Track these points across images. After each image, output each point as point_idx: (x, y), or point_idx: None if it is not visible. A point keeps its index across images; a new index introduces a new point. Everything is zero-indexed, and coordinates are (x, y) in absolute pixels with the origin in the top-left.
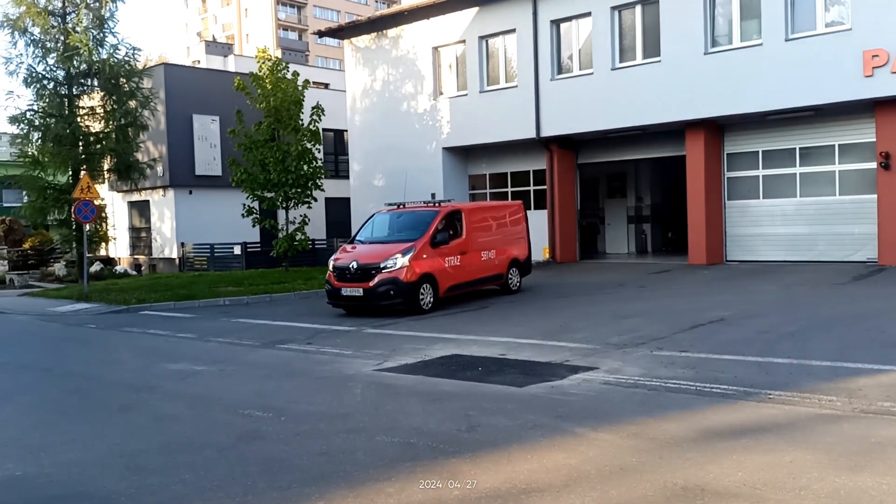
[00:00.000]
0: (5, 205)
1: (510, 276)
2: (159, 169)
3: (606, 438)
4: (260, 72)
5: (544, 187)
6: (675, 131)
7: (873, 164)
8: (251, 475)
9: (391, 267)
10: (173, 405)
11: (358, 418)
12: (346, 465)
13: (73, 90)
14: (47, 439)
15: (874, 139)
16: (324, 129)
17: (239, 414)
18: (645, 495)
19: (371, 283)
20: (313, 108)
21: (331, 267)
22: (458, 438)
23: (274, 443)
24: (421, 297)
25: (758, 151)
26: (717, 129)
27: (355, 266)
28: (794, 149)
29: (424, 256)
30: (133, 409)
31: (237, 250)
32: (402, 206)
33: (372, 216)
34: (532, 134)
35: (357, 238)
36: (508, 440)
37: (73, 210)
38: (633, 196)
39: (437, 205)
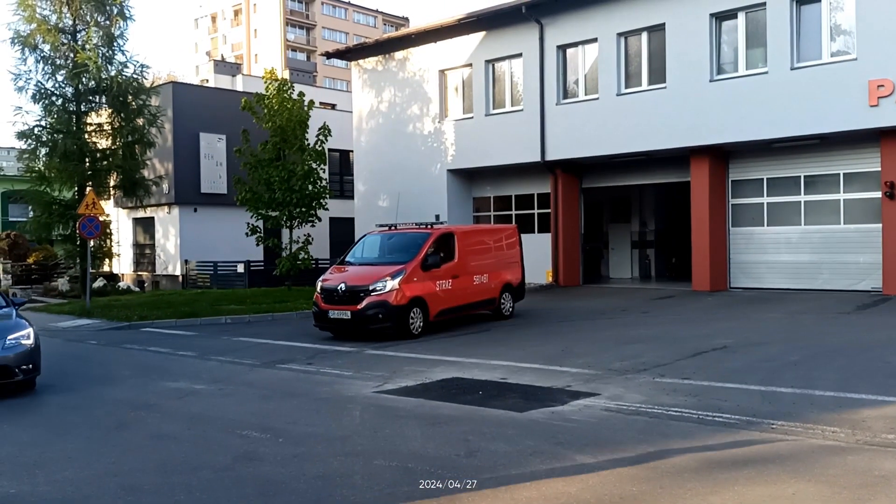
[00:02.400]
0: (10, 219)
1: (503, 300)
2: (165, 186)
3: (607, 467)
4: (266, 92)
5: (548, 211)
6: (679, 157)
7: (878, 194)
8: (247, 497)
9: (380, 290)
10: (171, 424)
11: (356, 441)
12: (343, 488)
13: (82, 107)
14: (43, 457)
15: (879, 168)
16: (330, 150)
17: (237, 434)
18: None
19: (359, 306)
20: (320, 128)
21: (318, 288)
22: (457, 464)
23: (271, 465)
24: (411, 321)
25: (763, 179)
26: (722, 155)
27: (343, 288)
28: (799, 177)
29: (415, 279)
30: (130, 427)
31: (240, 268)
32: (393, 228)
33: (363, 237)
34: (537, 157)
35: (347, 259)
36: (507, 467)
37: (77, 226)
38: (638, 221)
39: (429, 227)
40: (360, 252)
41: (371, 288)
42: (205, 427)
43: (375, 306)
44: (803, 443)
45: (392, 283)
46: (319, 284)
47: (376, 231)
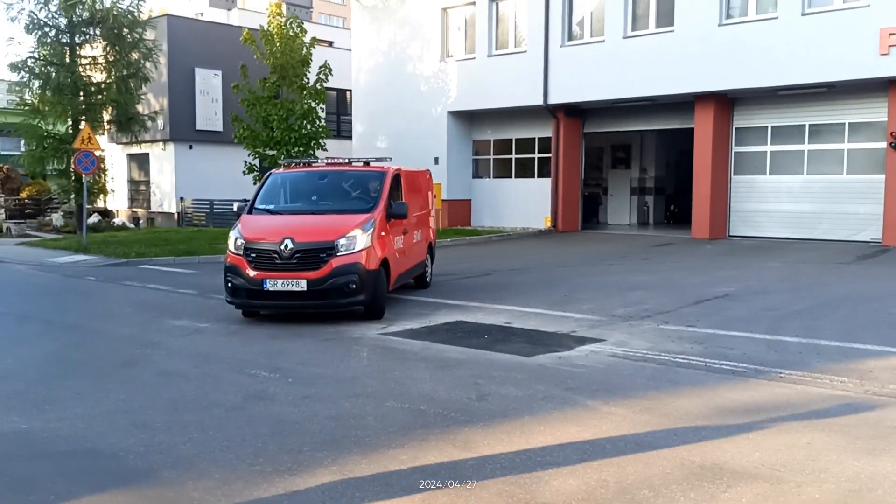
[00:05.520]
0: (3, 153)
1: (426, 264)
2: (160, 122)
3: (619, 413)
4: (269, 26)
5: (548, 155)
6: (684, 103)
7: (883, 144)
8: (261, 437)
9: (348, 248)
10: (178, 362)
11: (366, 383)
12: (357, 430)
13: (75, 39)
14: (52, 393)
15: (885, 119)
16: (327, 88)
17: (245, 374)
18: (663, 472)
19: (321, 273)
20: (321, 66)
21: (239, 248)
22: (469, 407)
23: (282, 405)
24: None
25: (767, 127)
26: (727, 102)
27: (290, 246)
28: (804, 125)
29: (382, 234)
30: (137, 364)
31: (237, 207)
32: (306, 165)
33: (267, 176)
34: (539, 101)
35: (259, 206)
36: (520, 411)
37: (73, 160)
38: (638, 167)
39: (366, 164)
40: (278, 196)
41: (336, 245)
42: (212, 366)
43: (345, 272)
44: (813, 392)
45: (364, 238)
46: (238, 241)
47: (284, 170)
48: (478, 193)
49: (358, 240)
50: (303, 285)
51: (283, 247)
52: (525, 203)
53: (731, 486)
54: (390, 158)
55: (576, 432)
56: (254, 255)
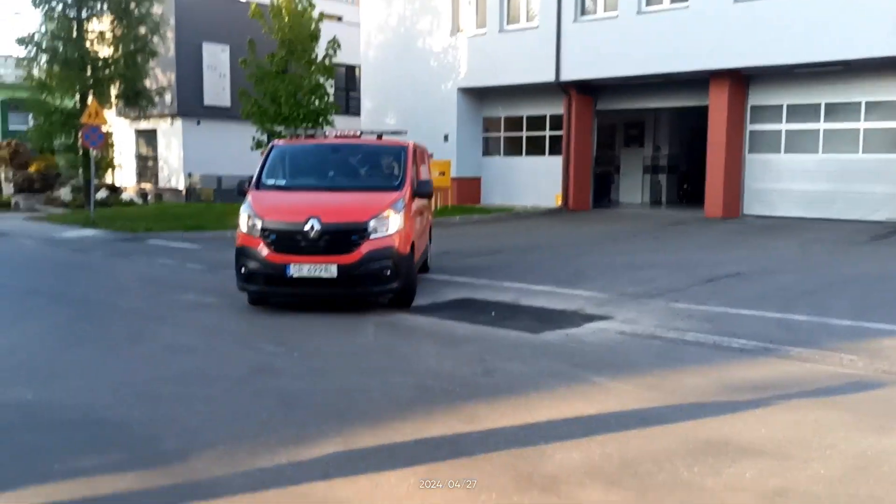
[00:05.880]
0: (11, 128)
1: (428, 247)
2: (167, 97)
3: (625, 389)
4: (278, 1)
5: (560, 133)
6: (698, 81)
7: None
8: (267, 409)
9: (381, 230)
10: (184, 336)
11: (372, 357)
12: (362, 403)
13: (83, 13)
14: (57, 365)
15: None
16: (336, 64)
17: (251, 347)
18: (667, 448)
19: (352, 258)
20: (329, 42)
21: (253, 228)
22: (475, 382)
23: (288, 378)
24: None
25: (782, 105)
26: (742, 80)
27: (317, 227)
28: (820, 104)
29: (410, 214)
30: (143, 337)
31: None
32: (313, 137)
33: (270, 148)
34: (551, 77)
35: (268, 181)
36: (525, 386)
37: (80, 135)
38: (651, 145)
39: (378, 138)
40: (288, 171)
41: (367, 227)
42: (218, 339)
43: (379, 257)
44: (822, 370)
45: (397, 220)
46: (252, 220)
47: (288, 142)
48: (488, 171)
49: (391, 221)
50: (333, 271)
51: (308, 227)
52: (535, 181)
53: (735, 461)
54: (406, 132)
55: (581, 407)
56: (273, 236)
